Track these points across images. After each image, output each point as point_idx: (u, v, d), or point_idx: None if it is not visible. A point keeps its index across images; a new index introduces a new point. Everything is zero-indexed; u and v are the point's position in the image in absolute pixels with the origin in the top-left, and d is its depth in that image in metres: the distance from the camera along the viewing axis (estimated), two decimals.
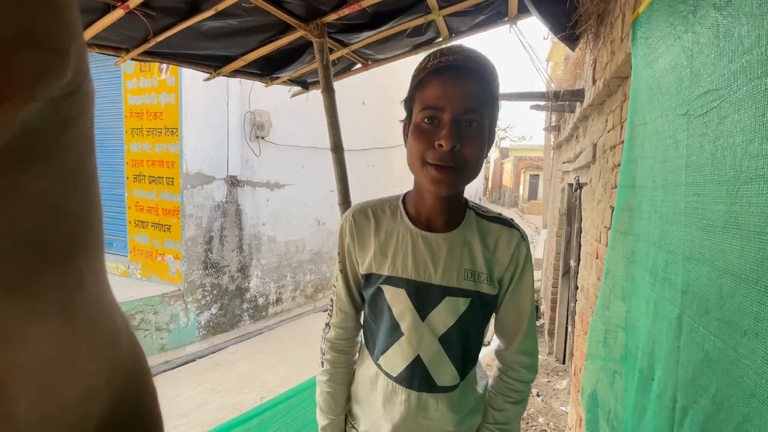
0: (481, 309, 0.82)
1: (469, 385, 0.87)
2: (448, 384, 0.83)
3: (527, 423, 2.92)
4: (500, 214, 0.86)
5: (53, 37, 0.15)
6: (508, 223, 0.84)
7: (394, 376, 0.83)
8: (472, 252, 0.80)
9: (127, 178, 4.53)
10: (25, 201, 0.14)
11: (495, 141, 0.82)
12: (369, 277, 0.84)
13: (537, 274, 6.97)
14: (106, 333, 0.19)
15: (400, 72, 7.29)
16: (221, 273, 4.69)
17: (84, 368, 0.17)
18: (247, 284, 5.03)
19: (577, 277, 2.82)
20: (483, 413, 0.91)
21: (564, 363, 3.78)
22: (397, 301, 0.80)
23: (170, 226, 4.30)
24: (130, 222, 4.59)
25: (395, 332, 0.82)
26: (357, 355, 0.97)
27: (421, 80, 0.74)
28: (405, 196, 0.87)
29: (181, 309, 4.28)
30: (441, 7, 1.77)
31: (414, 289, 0.79)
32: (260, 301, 5.23)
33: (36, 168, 0.15)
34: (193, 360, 4.10)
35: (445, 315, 0.79)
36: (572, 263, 3.35)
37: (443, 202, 0.79)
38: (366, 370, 0.90)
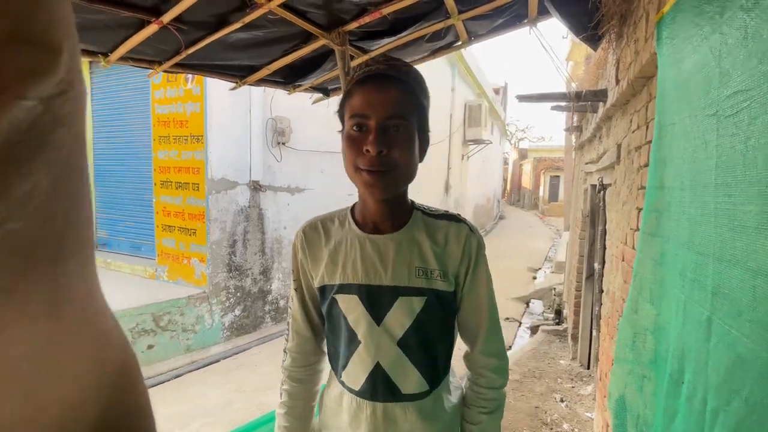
0: (440, 308, 0.79)
1: (444, 395, 0.84)
2: (415, 391, 0.79)
3: (551, 429, 2.87)
4: (447, 211, 0.85)
5: (45, 34, 0.14)
6: (456, 218, 0.83)
7: (357, 390, 0.80)
8: (422, 249, 0.79)
9: (155, 184, 4.69)
10: (14, 200, 0.14)
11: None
12: (323, 290, 0.82)
13: (559, 278, 6.84)
14: (95, 335, 0.18)
15: None
16: (244, 276, 4.79)
17: (72, 370, 0.16)
18: (269, 287, 5.12)
19: (601, 280, 2.77)
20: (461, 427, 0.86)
21: (588, 368, 3.70)
22: (351, 308, 0.79)
23: (196, 230, 4.43)
24: (157, 226, 4.74)
25: (353, 342, 0.79)
26: (318, 385, 0.93)
27: (349, 90, 0.76)
28: (354, 205, 0.87)
29: (206, 311, 4.40)
30: (460, 12, 1.79)
31: (366, 293, 0.78)
32: (281, 303, 5.31)
33: (25, 167, 0.14)
34: (218, 361, 4.19)
35: (401, 316, 0.77)
36: (596, 266, 3.28)
37: (386, 205, 0.79)
38: (331, 391, 0.87)
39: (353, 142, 0.73)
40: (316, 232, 0.85)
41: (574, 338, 4.08)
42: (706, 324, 0.79)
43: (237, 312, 4.72)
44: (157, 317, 3.98)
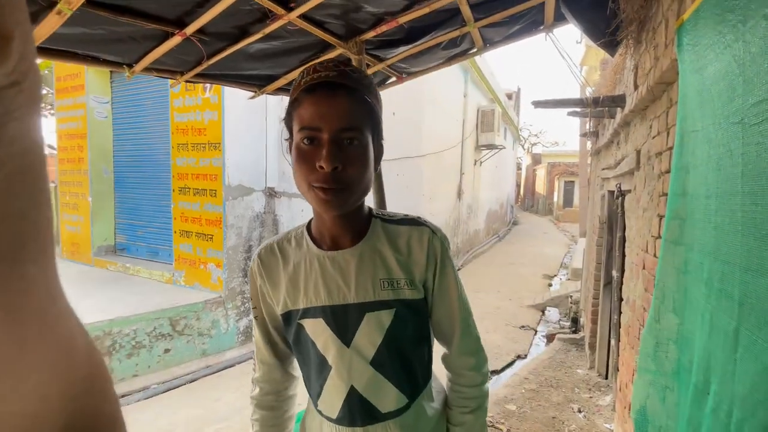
0: (411, 318, 0.76)
1: (425, 404, 0.81)
2: (394, 408, 0.76)
3: None
4: (407, 215, 0.81)
5: None
6: (417, 222, 0.79)
7: (334, 418, 0.76)
8: (385, 259, 0.75)
9: (173, 190, 4.79)
10: None
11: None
12: (288, 317, 0.78)
13: (576, 285, 6.73)
14: (59, 340, 0.17)
15: (429, 81, 7.34)
16: None
17: (33, 380, 0.16)
18: None
19: (620, 289, 2.72)
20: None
21: (607, 378, 3.62)
22: (318, 332, 0.74)
23: (212, 235, 4.50)
24: (175, 232, 4.84)
25: (324, 368, 0.75)
26: (291, 411, 0.90)
27: (296, 99, 0.70)
28: (310, 221, 0.81)
29: (222, 315, 4.45)
30: (476, 20, 1.80)
31: (331, 315, 0.73)
32: None
33: None
34: (232, 365, 4.23)
35: (371, 334, 0.73)
36: (615, 274, 3.23)
37: (342, 219, 0.74)
38: (311, 421, 0.84)
39: (305, 156, 0.67)
40: (272, 255, 0.80)
41: (592, 347, 4.00)
42: (733, 334, 0.77)
43: (251, 317, 4.77)
44: (174, 321, 4.05)
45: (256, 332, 0.85)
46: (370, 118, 0.71)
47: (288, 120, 0.73)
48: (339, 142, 0.66)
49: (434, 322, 0.82)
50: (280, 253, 0.79)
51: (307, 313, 0.75)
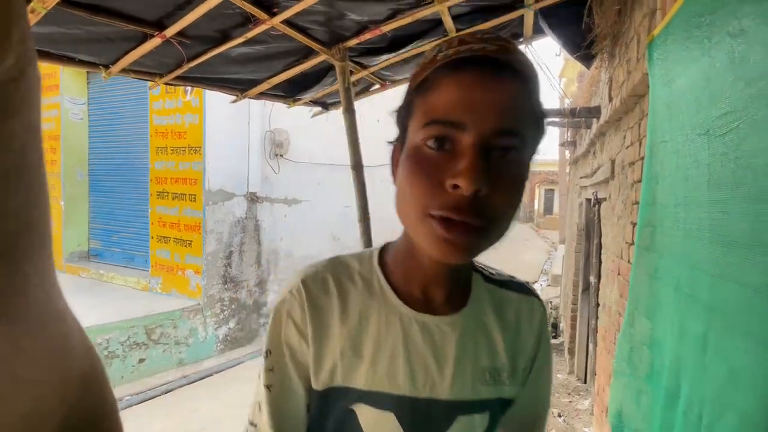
0: (499, 420, 0.56)
1: None
2: None
3: None
4: (513, 277, 0.59)
5: None
6: (526, 290, 0.58)
7: None
8: (491, 339, 0.53)
9: (151, 194, 4.68)
10: None
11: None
12: (328, 394, 0.50)
13: (556, 291, 6.85)
14: (55, 339, 0.17)
15: None
16: (239, 287, 4.76)
17: (30, 377, 0.15)
18: (264, 299, 5.08)
19: (597, 294, 2.79)
20: None
21: (585, 382, 3.68)
22: (382, 430, 0.49)
23: (191, 241, 4.41)
24: (152, 237, 4.72)
25: None
26: None
27: (426, 79, 0.44)
28: (382, 253, 0.55)
29: (200, 323, 4.35)
30: (458, 30, 1.83)
31: (409, 411, 0.49)
32: None
33: None
34: (211, 375, 4.13)
35: None
36: (592, 279, 3.30)
37: (449, 269, 0.50)
38: None
39: (428, 167, 0.42)
40: (324, 292, 0.51)
41: (571, 352, 4.07)
42: (701, 338, 0.80)
43: (231, 324, 4.67)
44: (149, 330, 3.93)
45: (263, 419, 0.51)
46: (535, 124, 0.45)
47: (404, 112, 0.48)
48: (488, 152, 0.41)
49: (512, 418, 0.58)
50: (338, 293, 0.51)
51: (370, 398, 0.49)
